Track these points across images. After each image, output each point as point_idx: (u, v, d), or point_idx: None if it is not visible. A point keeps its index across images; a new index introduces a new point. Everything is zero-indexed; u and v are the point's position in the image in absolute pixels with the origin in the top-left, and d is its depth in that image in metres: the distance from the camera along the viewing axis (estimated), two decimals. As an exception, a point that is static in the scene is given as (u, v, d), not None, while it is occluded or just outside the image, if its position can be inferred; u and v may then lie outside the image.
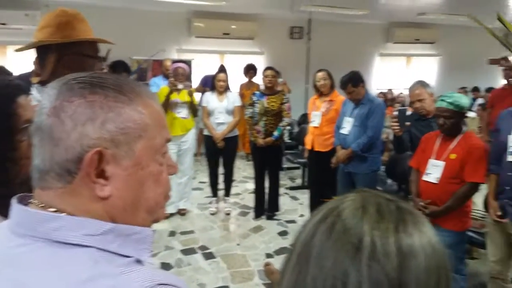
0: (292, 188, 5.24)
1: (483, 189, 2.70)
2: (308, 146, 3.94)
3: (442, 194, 2.39)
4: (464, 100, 2.36)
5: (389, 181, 4.54)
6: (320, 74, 3.81)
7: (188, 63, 5.19)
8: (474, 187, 2.34)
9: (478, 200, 3.02)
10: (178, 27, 6.88)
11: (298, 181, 5.48)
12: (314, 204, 3.90)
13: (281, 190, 4.77)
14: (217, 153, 4.22)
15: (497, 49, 9.07)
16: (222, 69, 4.59)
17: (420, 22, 8.23)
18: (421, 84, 3.10)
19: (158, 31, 6.55)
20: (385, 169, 4.35)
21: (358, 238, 0.43)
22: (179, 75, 3.99)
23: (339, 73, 3.48)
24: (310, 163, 4.12)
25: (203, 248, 3.56)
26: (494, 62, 4.90)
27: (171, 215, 4.17)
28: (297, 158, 5.17)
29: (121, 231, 0.54)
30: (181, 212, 4.26)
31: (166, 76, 4.76)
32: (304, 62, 7.77)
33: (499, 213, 2.17)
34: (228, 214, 4.33)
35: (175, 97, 3.94)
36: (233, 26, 7.05)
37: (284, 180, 5.50)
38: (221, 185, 4.44)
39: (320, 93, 3.84)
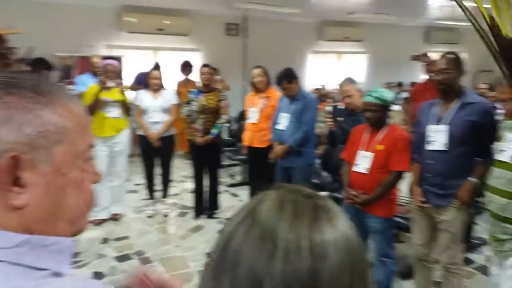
0: (232, 185, 5.23)
1: (408, 177, 2.90)
2: (246, 143, 3.94)
3: (372, 183, 2.52)
4: (388, 94, 2.51)
5: (324, 173, 4.72)
6: (256, 71, 3.84)
7: (118, 59, 4.94)
8: (399, 176, 2.50)
9: (403, 187, 3.23)
10: (107, 22, 6.52)
11: (238, 178, 5.49)
12: (254, 200, 3.93)
13: (221, 188, 4.74)
14: (153, 153, 4.07)
15: (419, 46, 9.80)
16: (156, 67, 4.43)
17: (349, 21, 8.65)
18: (350, 81, 3.24)
19: (85, 25, 6.15)
20: (320, 162, 4.51)
21: (273, 241, 0.41)
22: (109, 72, 3.78)
23: (275, 70, 3.52)
24: (249, 160, 4.14)
25: (139, 253, 3.42)
26: (416, 58, 5.28)
27: (104, 221, 3.96)
28: (237, 155, 5.17)
29: (36, 243, 0.50)
30: (115, 217, 4.05)
31: (95, 74, 4.48)
32: (241, 59, 7.79)
33: (422, 199, 2.33)
34: (166, 215, 4.21)
35: (105, 95, 3.73)
36: (166, 22, 6.84)
37: (224, 177, 5.47)
38: (158, 186, 4.30)
39: (257, 90, 3.86)
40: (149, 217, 4.16)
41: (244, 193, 4.68)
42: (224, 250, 0.45)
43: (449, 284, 2.35)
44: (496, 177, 1.86)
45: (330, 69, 9.08)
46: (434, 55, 4.72)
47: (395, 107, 6.10)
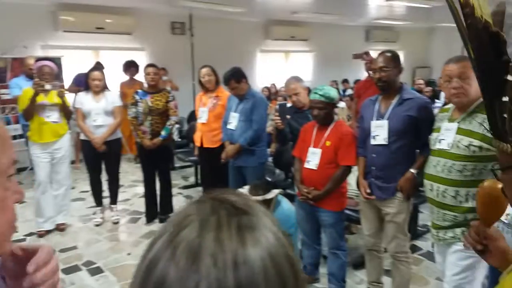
0: (185, 187, 5.13)
1: (356, 171, 3.00)
2: (197, 143, 3.88)
3: (322, 178, 2.58)
4: (333, 92, 2.58)
5: (277, 171, 4.78)
6: (204, 70, 3.78)
7: (56, 60, 4.63)
8: (347, 170, 2.58)
9: (352, 181, 3.35)
10: (42, 21, 6.10)
11: (192, 180, 5.40)
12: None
13: (174, 190, 4.63)
14: (99, 158, 3.87)
15: (361, 45, 10.21)
16: (97, 67, 4.21)
17: (294, 20, 8.83)
18: (296, 79, 3.30)
19: (18, 25, 5.71)
20: (272, 160, 4.55)
21: (198, 265, 0.38)
22: (45, 74, 3.54)
23: (224, 69, 3.49)
24: (201, 160, 4.08)
25: (88, 263, 3.24)
26: (357, 56, 5.50)
27: (48, 232, 3.71)
28: (189, 156, 5.07)
29: None
30: (60, 228, 3.81)
31: (30, 76, 4.18)
32: (189, 58, 7.66)
33: (368, 190, 2.42)
34: (116, 223, 4.03)
35: (42, 99, 3.48)
36: (108, 20, 6.54)
37: (177, 179, 5.35)
38: (106, 192, 4.10)
39: (206, 89, 3.81)
40: (98, 225, 3.96)
41: (198, 194, 4.59)
42: (147, 276, 0.41)
43: (398, 271, 2.47)
44: (434, 165, 1.97)
45: (279, 68, 9.21)
46: (374, 53, 4.94)
47: (341, 104, 6.33)
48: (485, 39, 0.68)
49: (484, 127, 1.79)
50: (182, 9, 7.01)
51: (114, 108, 3.82)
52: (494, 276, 2.02)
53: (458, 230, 1.91)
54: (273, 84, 8.51)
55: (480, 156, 1.82)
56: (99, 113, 3.75)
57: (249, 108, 3.42)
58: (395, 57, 2.36)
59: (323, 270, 2.95)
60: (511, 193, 0.74)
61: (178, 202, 4.50)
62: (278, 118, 2.95)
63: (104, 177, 4.01)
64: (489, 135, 1.93)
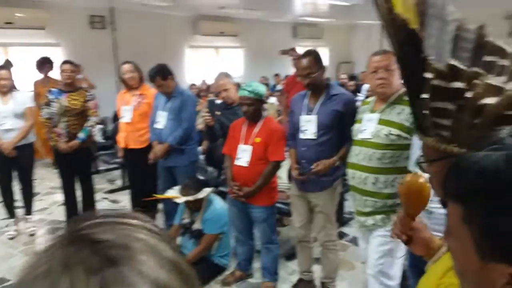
0: (111, 191, 4.84)
1: (286, 164, 3.06)
2: (121, 145, 3.66)
3: (253, 175, 2.58)
4: (261, 88, 2.59)
5: (210, 169, 4.71)
6: (126, 67, 3.57)
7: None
8: (277, 165, 2.61)
9: (283, 174, 3.42)
10: None
11: (118, 183, 5.11)
12: (137, 205, 3.69)
13: (100, 195, 4.36)
14: (9, 165, 3.49)
15: (288, 41, 10.45)
16: (4, 65, 3.78)
17: (223, 16, 8.77)
18: (225, 75, 3.26)
19: None
20: (204, 158, 4.48)
21: None
22: None
23: (151, 66, 3.32)
24: (127, 162, 3.87)
25: (1, 281, 2.91)
26: (284, 52, 5.58)
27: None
28: (114, 158, 4.79)
29: None
30: (-34, 245, 3.38)
31: None
32: (111, 54, 7.23)
33: (299, 172, 2.42)
34: (32, 235, 3.67)
35: None
36: (18, 14, 5.93)
37: (102, 183, 5.04)
38: (20, 202, 3.72)
39: (129, 87, 3.60)
40: (11, 238, 3.58)
41: (125, 198, 4.37)
42: None
43: (327, 259, 2.57)
44: (356, 154, 2.07)
45: (209, 64, 9.10)
46: (301, 49, 5.07)
47: (271, 99, 6.43)
48: (404, 36, 0.69)
49: (407, 118, 1.91)
50: (102, 2, 6.59)
51: (25, 109, 3.46)
52: (412, 259, 2.17)
53: (378, 217, 2.02)
54: (204, 81, 8.39)
55: (398, 144, 1.94)
56: (8, 116, 3.38)
57: (178, 106, 3.30)
58: (317, 59, 2.42)
59: (256, 264, 2.97)
60: (437, 183, 0.77)
61: (104, 207, 4.24)
62: (208, 114, 2.89)
63: (17, 185, 3.63)
64: (407, 125, 2.04)
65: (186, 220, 3.02)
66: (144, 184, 3.57)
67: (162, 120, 3.32)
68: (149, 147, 3.42)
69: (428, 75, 0.67)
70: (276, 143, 2.57)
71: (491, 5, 6.54)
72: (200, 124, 4.82)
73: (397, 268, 2.06)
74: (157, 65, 3.30)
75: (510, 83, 0.65)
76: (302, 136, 2.45)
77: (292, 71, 5.21)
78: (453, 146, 0.69)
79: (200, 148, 4.30)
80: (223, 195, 3.33)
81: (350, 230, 3.65)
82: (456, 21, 0.72)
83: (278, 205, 2.86)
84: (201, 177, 4.21)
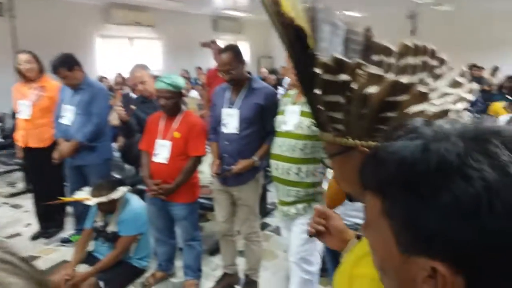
0: (12, 195, 4.32)
1: (209, 159, 2.98)
2: (20, 143, 3.26)
3: (173, 172, 2.47)
4: (180, 80, 2.47)
5: (127, 166, 4.45)
6: (22, 57, 3.18)
7: None
8: (197, 160, 2.53)
9: (205, 169, 3.34)
10: None
11: (20, 186, 4.58)
12: (42, 210, 3.33)
13: (-2, 201, 3.87)
14: None
15: (209, 34, 10.32)
16: None
17: (137, 5, 8.32)
18: (141, 67, 3.08)
19: None
20: (120, 155, 4.20)
21: None
22: None
23: (54, 55, 2.99)
24: (28, 163, 3.46)
25: None
26: (205, 45, 5.47)
27: None
28: (14, 158, 4.27)
29: None
30: None
31: None
32: (10, 43, 6.44)
33: (219, 172, 2.38)
34: None
35: None
36: None
37: (2, 186, 4.50)
38: None
39: (27, 79, 3.21)
40: None
41: (28, 202, 3.92)
42: None
43: (250, 251, 2.57)
44: (280, 146, 2.09)
45: (123, 56, 8.59)
46: (222, 42, 5.00)
47: (192, 93, 6.29)
48: (291, 33, 0.70)
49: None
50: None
51: None
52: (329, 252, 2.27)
53: (300, 206, 2.07)
54: (119, 74, 7.90)
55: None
56: None
57: (87, 99, 3.03)
58: (237, 54, 2.38)
59: (179, 263, 2.87)
60: (339, 175, 0.80)
61: (4, 213, 3.78)
62: (122, 109, 2.68)
63: None
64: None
65: (99, 223, 2.79)
66: (49, 186, 3.23)
67: (68, 114, 3.03)
68: (53, 146, 3.09)
69: (318, 70, 0.68)
70: (197, 137, 2.49)
71: (395, 5, 7.14)
72: (114, 120, 4.52)
73: (317, 254, 2.14)
74: (61, 55, 3.00)
75: (391, 73, 0.68)
76: (224, 130, 2.40)
77: (213, 64, 5.13)
78: (348, 139, 0.71)
79: (115, 145, 4.02)
80: (141, 193, 3.16)
81: (273, 220, 3.72)
82: (345, 24, 0.76)
83: (201, 200, 2.79)
84: (117, 176, 3.97)
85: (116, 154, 4.21)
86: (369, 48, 0.71)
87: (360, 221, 1.49)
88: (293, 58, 0.75)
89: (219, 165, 2.40)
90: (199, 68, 9.37)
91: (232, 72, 2.33)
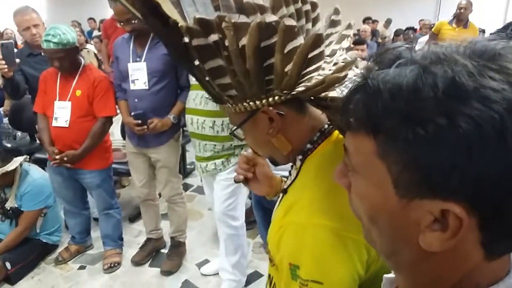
0: None
1: (119, 119, 2.69)
2: None
3: (77, 135, 2.20)
4: (70, 34, 2.10)
5: (19, 133, 3.91)
6: None
7: None
8: (108, 121, 2.28)
9: (116, 131, 3.06)
10: None
11: None
12: None
13: None
14: None
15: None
16: None
17: None
18: (31, 9, 2.56)
19: None
20: (9, 121, 3.65)
21: None
22: None
23: None
24: None
25: None
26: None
27: None
28: None
29: None
30: None
31: None
32: None
33: (139, 121, 2.17)
34: None
35: None
36: None
37: None
38: None
39: None
40: None
41: None
42: None
43: (175, 213, 2.47)
44: (194, 99, 1.96)
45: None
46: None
47: (88, 47, 5.61)
48: (146, 9, 0.65)
49: None
50: None
51: None
52: (256, 197, 2.29)
53: (218, 162, 2.00)
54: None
55: None
56: None
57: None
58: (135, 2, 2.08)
59: (96, 233, 2.66)
60: (254, 143, 0.81)
61: None
62: (3, 63, 2.22)
63: None
64: None
65: (-5, 200, 2.43)
66: None
67: None
68: None
69: (186, 39, 0.64)
70: (103, 96, 2.21)
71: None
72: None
73: (241, 208, 2.13)
74: None
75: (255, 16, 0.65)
76: (132, 87, 2.17)
77: (109, 14, 4.59)
78: (248, 103, 0.69)
79: (1, 110, 3.46)
80: (42, 162, 2.79)
81: (194, 180, 3.64)
82: None
83: (115, 165, 2.55)
84: (8, 145, 3.47)
85: (4, 120, 3.66)
86: (243, 10, 0.66)
87: (285, 173, 1.49)
88: (160, 37, 0.70)
89: (134, 118, 2.17)
90: (92, 19, 8.39)
91: (133, 22, 2.06)
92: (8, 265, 2.30)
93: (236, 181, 0.98)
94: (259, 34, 0.61)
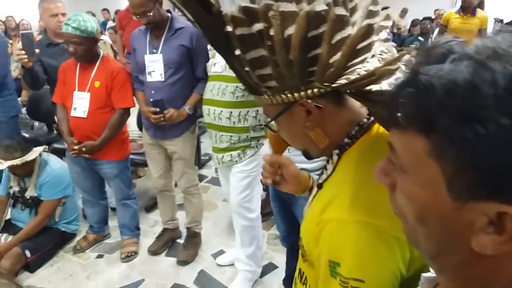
0: None
1: (135, 110, 2.71)
2: None
3: (95, 126, 2.22)
4: (90, 23, 2.11)
5: (36, 123, 3.97)
6: None
7: None
8: (126, 112, 2.29)
9: (132, 122, 3.08)
10: None
11: None
12: None
13: None
14: None
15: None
16: None
17: None
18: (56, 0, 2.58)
19: None
20: (27, 111, 3.71)
21: None
22: None
23: None
24: None
25: None
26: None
27: None
28: None
29: None
30: None
31: None
32: None
33: (157, 109, 2.18)
34: None
35: None
36: None
37: None
38: None
39: None
40: None
41: None
42: None
43: (191, 204, 2.49)
44: (211, 90, 1.95)
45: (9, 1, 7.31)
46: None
47: (104, 38, 5.64)
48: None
49: None
50: None
51: None
52: (274, 189, 2.28)
53: (234, 153, 2.00)
54: (11, 17, 6.74)
55: None
56: None
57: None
58: None
59: (113, 223, 2.70)
60: (289, 137, 0.78)
61: None
62: (23, 53, 2.23)
63: None
64: None
65: (16, 189, 2.48)
66: None
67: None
68: None
69: (229, 28, 0.62)
70: (121, 87, 2.23)
71: None
72: (15, 70, 3.92)
73: (256, 200, 2.13)
74: None
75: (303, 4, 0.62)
76: (149, 78, 2.17)
77: (123, 4, 4.59)
78: (286, 95, 0.67)
79: (19, 100, 3.50)
80: (60, 152, 2.83)
81: (208, 171, 3.65)
82: None
83: (132, 156, 2.58)
84: (26, 135, 3.52)
85: (23, 110, 3.71)
86: None
87: (306, 166, 1.48)
88: (201, 26, 0.67)
89: (152, 111, 2.18)
90: (106, 10, 8.42)
91: (148, 15, 2.05)
92: (27, 253, 2.35)
93: (263, 184, 0.98)
94: (307, 24, 0.59)
